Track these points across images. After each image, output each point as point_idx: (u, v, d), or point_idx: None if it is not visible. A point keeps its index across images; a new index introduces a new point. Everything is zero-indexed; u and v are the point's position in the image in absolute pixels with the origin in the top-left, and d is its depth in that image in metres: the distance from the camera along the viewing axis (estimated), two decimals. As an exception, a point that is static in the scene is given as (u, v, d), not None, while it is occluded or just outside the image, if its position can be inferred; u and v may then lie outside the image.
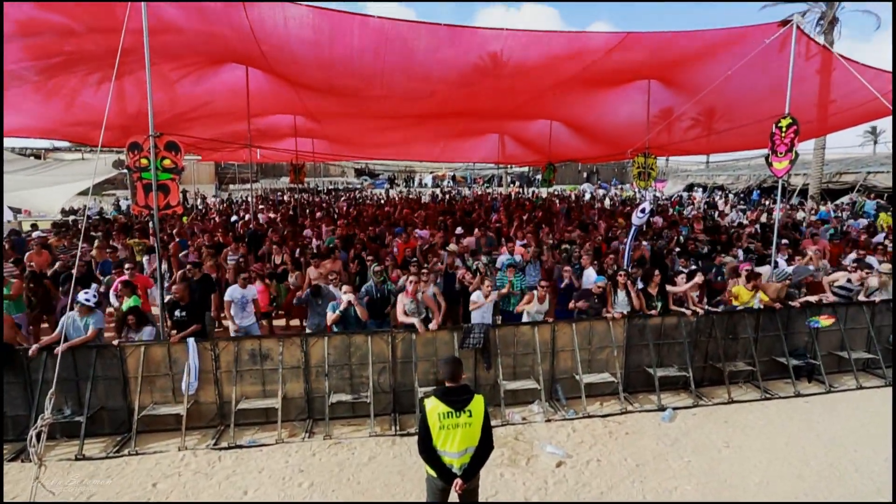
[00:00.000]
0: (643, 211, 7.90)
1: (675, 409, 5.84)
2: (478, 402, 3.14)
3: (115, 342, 5.49)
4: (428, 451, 3.12)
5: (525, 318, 6.48)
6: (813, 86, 8.43)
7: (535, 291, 6.54)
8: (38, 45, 6.90)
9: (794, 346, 6.70)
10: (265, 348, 5.61)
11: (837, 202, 20.08)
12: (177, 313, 5.88)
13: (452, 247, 8.67)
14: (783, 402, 6.09)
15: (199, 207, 22.34)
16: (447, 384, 3.19)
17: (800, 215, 16.67)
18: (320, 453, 4.99)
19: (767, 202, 22.28)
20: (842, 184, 21.99)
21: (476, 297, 6.28)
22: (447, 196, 25.76)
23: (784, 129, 6.87)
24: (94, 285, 5.49)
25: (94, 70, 7.93)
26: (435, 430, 3.08)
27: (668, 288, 6.61)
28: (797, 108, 6.95)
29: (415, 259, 7.95)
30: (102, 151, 6.16)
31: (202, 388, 5.51)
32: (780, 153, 6.97)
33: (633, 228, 7.96)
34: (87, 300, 5.48)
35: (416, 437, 5.19)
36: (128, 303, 6.24)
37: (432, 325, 5.87)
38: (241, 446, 5.15)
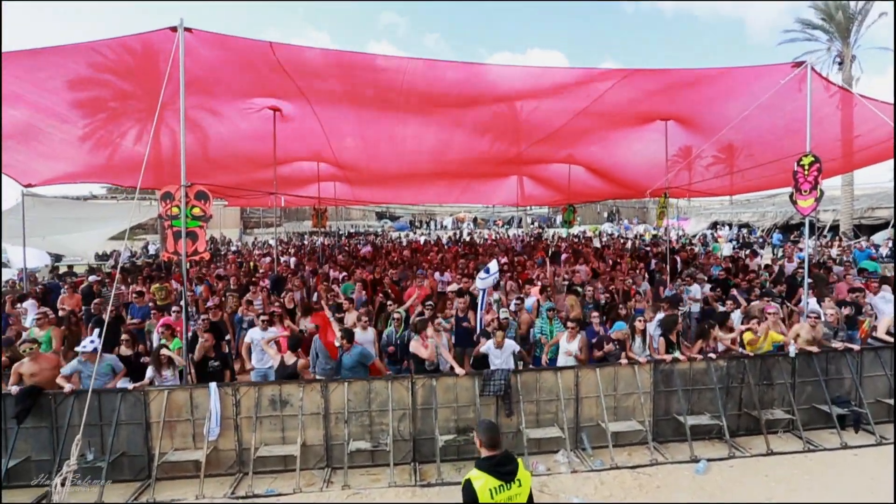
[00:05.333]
0: (487, 271, 7.16)
1: (709, 460, 5.50)
2: (523, 469, 2.82)
3: (145, 381, 5.61)
4: None
5: (560, 361, 6.32)
6: (834, 123, 8.36)
7: (564, 332, 6.45)
8: (86, 100, 7.45)
9: (835, 393, 6.31)
10: (286, 393, 5.58)
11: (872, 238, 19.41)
12: (210, 363, 5.99)
13: (454, 286, 8.45)
14: (829, 455, 5.68)
15: (224, 252, 22.89)
16: (489, 452, 2.82)
17: (833, 252, 16.12)
18: (338, 505, 4.85)
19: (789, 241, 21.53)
20: (875, 219, 21.35)
21: (486, 347, 6.06)
22: (470, 237, 25.85)
23: (807, 168, 6.77)
24: (95, 331, 5.71)
25: (134, 120, 8.49)
26: None
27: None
28: (819, 146, 6.86)
29: (430, 304, 7.68)
30: (136, 197, 6.51)
31: (221, 434, 5.48)
32: (805, 191, 6.84)
33: (481, 292, 7.15)
34: (84, 347, 5.52)
35: (436, 489, 5.07)
36: (172, 345, 6.31)
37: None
38: (258, 495, 5.05)
